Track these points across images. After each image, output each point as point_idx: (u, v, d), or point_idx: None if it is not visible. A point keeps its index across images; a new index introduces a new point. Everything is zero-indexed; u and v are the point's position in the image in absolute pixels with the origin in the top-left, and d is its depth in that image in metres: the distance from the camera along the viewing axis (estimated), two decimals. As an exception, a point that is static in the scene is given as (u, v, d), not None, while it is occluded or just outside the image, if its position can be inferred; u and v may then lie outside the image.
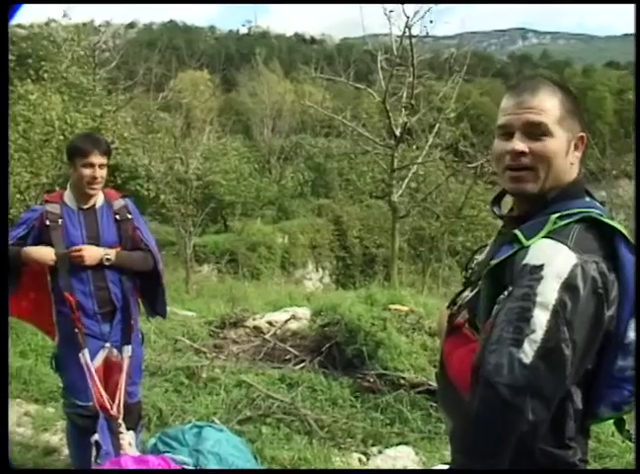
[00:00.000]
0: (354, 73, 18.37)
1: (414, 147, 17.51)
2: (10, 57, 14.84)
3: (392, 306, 6.63)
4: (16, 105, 13.09)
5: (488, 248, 1.98)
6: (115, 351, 3.89)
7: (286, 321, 7.27)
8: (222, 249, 21.83)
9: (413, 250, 24.28)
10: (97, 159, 3.71)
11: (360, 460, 4.80)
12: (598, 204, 1.78)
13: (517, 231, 1.72)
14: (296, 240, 25.37)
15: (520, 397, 1.52)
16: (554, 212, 1.70)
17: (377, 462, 4.74)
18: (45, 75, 16.23)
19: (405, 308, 6.60)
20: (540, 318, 1.56)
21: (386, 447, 4.94)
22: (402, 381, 5.58)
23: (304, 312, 7.62)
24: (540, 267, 1.60)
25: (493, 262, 1.76)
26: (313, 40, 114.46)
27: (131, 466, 3.42)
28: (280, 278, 21.24)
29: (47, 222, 3.72)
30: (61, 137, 12.70)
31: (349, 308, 6.50)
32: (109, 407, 3.80)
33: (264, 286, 14.95)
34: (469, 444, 1.64)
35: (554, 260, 1.60)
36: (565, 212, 1.69)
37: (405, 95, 15.22)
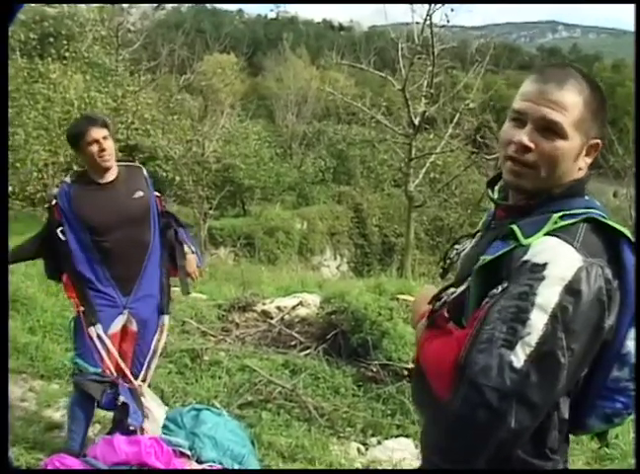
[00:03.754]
0: (381, 61, 18.26)
1: (430, 136, 17.42)
2: (32, 36, 14.99)
3: (400, 296, 6.59)
4: (36, 83, 13.19)
5: (474, 241, 1.88)
6: (133, 319, 3.99)
7: (294, 307, 7.25)
8: (240, 233, 21.85)
9: (432, 240, 24.19)
10: (97, 133, 3.77)
11: (358, 450, 4.78)
12: (597, 204, 1.68)
13: (514, 227, 1.61)
14: (315, 226, 25.35)
15: (505, 403, 1.42)
16: (556, 211, 1.59)
17: (376, 453, 4.72)
18: (67, 54, 16.30)
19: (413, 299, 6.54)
20: (537, 320, 1.45)
21: (386, 438, 4.92)
22: (405, 372, 5.54)
23: (314, 299, 7.58)
24: (543, 266, 1.48)
25: (485, 258, 1.63)
26: (341, 27, 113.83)
27: (124, 446, 3.44)
28: (296, 265, 21.21)
29: None
30: (79, 116, 12.76)
31: (356, 297, 6.46)
32: (129, 376, 3.97)
33: (279, 272, 14.93)
34: (445, 445, 1.54)
35: (559, 260, 1.48)
36: (568, 212, 1.58)
37: (425, 84, 15.11)
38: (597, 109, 1.67)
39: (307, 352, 6.24)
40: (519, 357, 1.44)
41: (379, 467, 4.54)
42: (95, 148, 3.74)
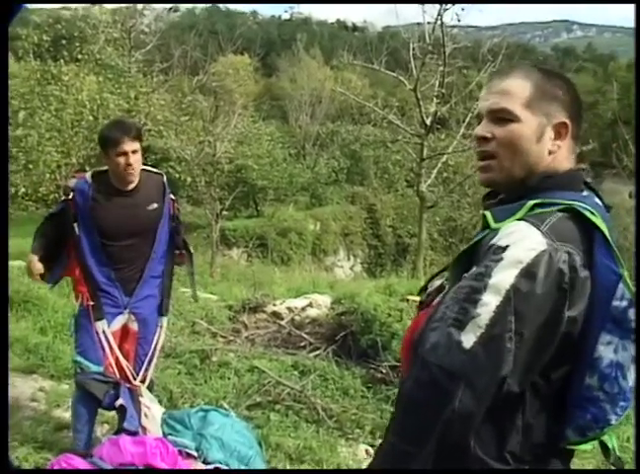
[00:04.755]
0: (394, 61, 18.20)
1: (442, 136, 17.39)
2: (45, 38, 15.11)
3: (410, 297, 6.55)
4: (49, 85, 13.31)
5: None
6: (134, 319, 4.04)
7: (304, 308, 7.24)
8: (252, 233, 21.88)
9: (445, 241, 24.11)
10: (128, 146, 3.75)
11: (367, 452, 4.75)
12: (595, 200, 1.62)
13: (486, 212, 1.60)
14: (328, 227, 25.31)
15: (451, 382, 1.40)
16: (533, 199, 1.55)
17: (384, 454, 4.69)
18: (80, 56, 16.42)
19: (423, 300, 6.50)
20: (489, 302, 1.42)
21: (394, 440, 4.88)
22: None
23: (324, 300, 7.58)
24: (504, 248, 1.46)
25: (462, 249, 1.64)
26: (355, 28, 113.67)
27: (129, 446, 3.44)
28: (310, 265, 21.19)
29: None
30: (91, 118, 12.87)
31: (366, 298, 6.45)
32: (129, 375, 4.00)
33: (291, 273, 14.94)
34: (400, 424, 1.50)
35: (520, 242, 1.45)
36: (547, 201, 1.54)
37: (437, 84, 15.09)
38: (552, 89, 1.65)
39: (317, 353, 6.24)
40: (468, 338, 1.42)
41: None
42: (122, 160, 3.75)
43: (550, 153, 1.64)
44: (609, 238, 1.50)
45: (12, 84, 11.60)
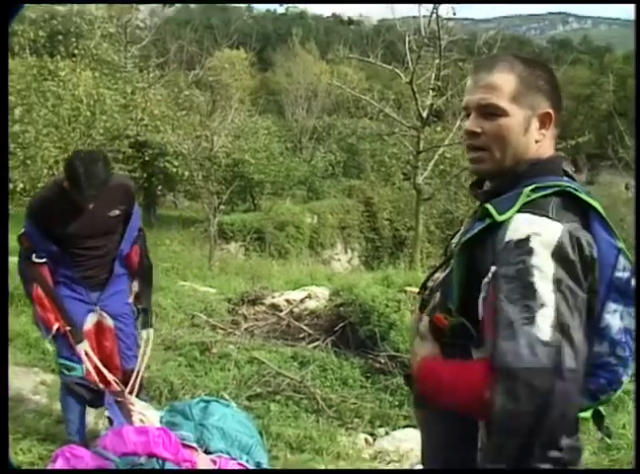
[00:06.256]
0: (391, 54, 18.14)
1: (438, 129, 17.37)
2: (41, 34, 15.10)
3: (408, 288, 6.61)
4: (46, 81, 13.30)
5: (463, 228, 1.89)
6: (106, 315, 4.01)
7: (303, 300, 7.29)
8: (250, 227, 21.81)
9: (442, 233, 24.09)
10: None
11: (366, 441, 4.81)
12: (575, 183, 1.70)
13: (487, 205, 1.65)
14: (326, 220, 25.24)
15: (546, 379, 1.38)
16: (527, 186, 1.62)
17: (384, 444, 4.75)
18: (76, 51, 16.42)
19: (421, 291, 6.55)
20: (544, 291, 1.46)
21: (393, 429, 4.95)
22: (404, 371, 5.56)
23: (323, 292, 7.63)
24: (527, 239, 1.51)
25: (464, 238, 1.68)
26: (351, 21, 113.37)
27: (132, 436, 3.47)
28: (307, 259, 21.17)
29: None
30: (88, 113, 12.87)
31: (364, 289, 6.50)
32: (111, 381, 3.95)
33: (289, 266, 14.97)
34: (499, 444, 1.45)
35: (539, 230, 1.52)
36: (540, 185, 1.62)
37: (433, 76, 15.08)
38: (535, 81, 1.73)
39: (316, 344, 6.30)
40: (543, 331, 1.43)
41: (387, 458, 4.57)
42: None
43: (537, 142, 1.74)
44: (604, 214, 1.61)
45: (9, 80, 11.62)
